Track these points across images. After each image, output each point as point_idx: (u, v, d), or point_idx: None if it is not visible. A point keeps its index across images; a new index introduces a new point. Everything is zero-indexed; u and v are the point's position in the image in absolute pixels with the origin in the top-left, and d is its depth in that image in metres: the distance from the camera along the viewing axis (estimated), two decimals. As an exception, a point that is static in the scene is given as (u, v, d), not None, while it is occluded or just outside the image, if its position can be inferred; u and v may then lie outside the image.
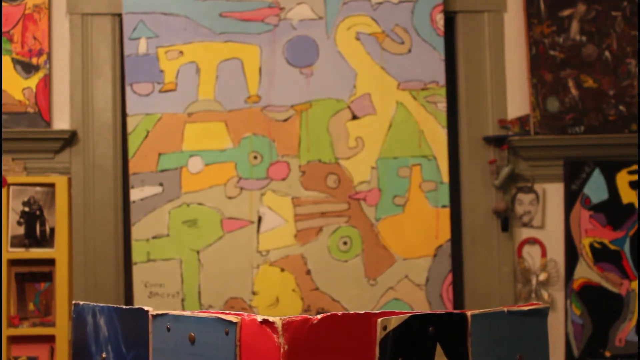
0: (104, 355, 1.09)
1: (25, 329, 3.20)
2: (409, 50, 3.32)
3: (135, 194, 3.22)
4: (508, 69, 3.40)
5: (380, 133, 3.29)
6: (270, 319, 0.89)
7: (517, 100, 3.39)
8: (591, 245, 3.34)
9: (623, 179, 3.36)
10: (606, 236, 3.34)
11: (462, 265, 3.38)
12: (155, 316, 1.02)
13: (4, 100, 3.26)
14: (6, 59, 3.27)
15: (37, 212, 3.23)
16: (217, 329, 0.94)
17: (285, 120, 3.28)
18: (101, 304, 1.11)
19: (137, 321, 1.04)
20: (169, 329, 1.00)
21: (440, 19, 3.33)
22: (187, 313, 0.99)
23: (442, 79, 3.33)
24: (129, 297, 3.27)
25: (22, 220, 3.22)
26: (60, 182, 3.23)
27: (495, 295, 3.32)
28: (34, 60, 3.28)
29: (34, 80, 3.28)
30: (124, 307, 1.07)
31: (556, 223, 3.36)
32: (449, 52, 3.40)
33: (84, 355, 1.13)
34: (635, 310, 3.34)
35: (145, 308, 1.04)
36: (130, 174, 3.24)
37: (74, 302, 1.17)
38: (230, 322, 0.92)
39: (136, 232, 3.21)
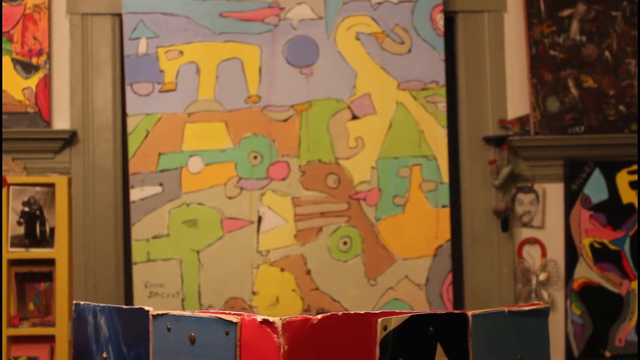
0: (104, 355, 1.09)
1: (25, 329, 3.20)
2: (409, 50, 3.32)
3: (135, 194, 3.22)
4: (508, 69, 3.40)
5: (380, 133, 3.29)
6: (270, 319, 0.89)
7: (517, 100, 3.39)
8: (591, 245, 3.34)
9: (623, 179, 3.36)
10: (606, 236, 3.34)
11: (462, 265, 3.38)
12: (155, 316, 1.02)
13: (4, 100, 3.26)
14: (6, 59, 3.27)
15: (37, 212, 3.23)
16: (217, 329, 0.94)
17: (285, 120, 3.28)
18: (102, 304, 1.11)
19: (138, 321, 1.04)
20: (169, 329, 1.00)
21: (440, 19, 3.33)
22: (187, 313, 0.99)
23: (442, 79, 3.33)
24: (129, 297, 3.27)
25: (22, 220, 3.22)
26: (60, 182, 3.23)
27: (495, 295, 3.32)
28: (34, 60, 3.28)
29: (34, 80, 3.28)
30: (125, 307, 1.07)
31: (556, 223, 3.36)
32: (449, 52, 3.40)
33: (85, 355, 1.14)
34: (635, 310, 3.34)
35: (146, 308, 1.04)
36: (130, 174, 3.24)
37: (74, 302, 1.17)
38: (230, 322, 0.92)
39: (136, 232, 3.21)
